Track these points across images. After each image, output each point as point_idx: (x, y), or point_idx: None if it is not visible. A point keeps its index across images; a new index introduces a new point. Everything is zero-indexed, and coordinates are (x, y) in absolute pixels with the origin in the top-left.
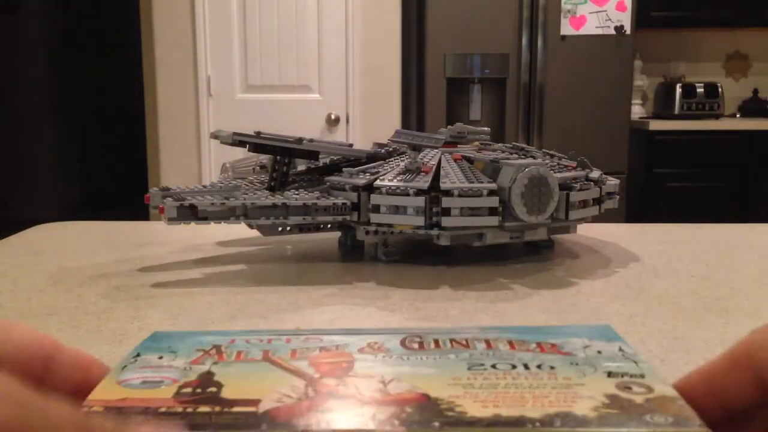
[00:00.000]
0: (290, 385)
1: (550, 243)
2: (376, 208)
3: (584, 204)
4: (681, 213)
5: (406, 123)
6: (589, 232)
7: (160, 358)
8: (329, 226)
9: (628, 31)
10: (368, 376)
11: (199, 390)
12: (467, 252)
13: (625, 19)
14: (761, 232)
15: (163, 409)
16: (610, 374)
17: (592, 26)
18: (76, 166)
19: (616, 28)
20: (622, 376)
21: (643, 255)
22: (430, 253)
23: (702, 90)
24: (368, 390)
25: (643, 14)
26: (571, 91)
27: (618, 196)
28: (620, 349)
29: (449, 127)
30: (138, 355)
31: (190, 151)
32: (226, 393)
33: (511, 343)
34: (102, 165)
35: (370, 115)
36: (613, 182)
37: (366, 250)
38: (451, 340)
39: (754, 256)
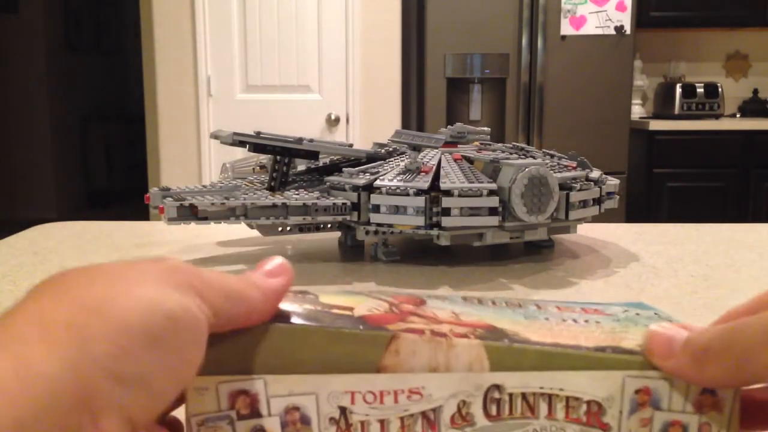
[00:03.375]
0: (377, 303)
1: (550, 243)
2: (376, 208)
3: (584, 204)
4: (681, 213)
5: (406, 123)
6: (589, 232)
7: None
8: (329, 226)
9: (628, 31)
10: (440, 308)
11: (300, 294)
12: (467, 252)
13: (625, 19)
14: (761, 232)
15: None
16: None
17: (592, 26)
18: (76, 166)
19: (616, 28)
20: None
21: (643, 255)
22: (430, 253)
23: (702, 90)
24: (443, 314)
25: (643, 14)
26: (571, 91)
27: (618, 196)
28: (655, 314)
29: (449, 127)
30: None
31: (190, 151)
32: (324, 300)
33: (558, 307)
34: (102, 165)
35: (370, 115)
36: (613, 182)
37: (366, 250)
38: (506, 302)
39: (754, 256)
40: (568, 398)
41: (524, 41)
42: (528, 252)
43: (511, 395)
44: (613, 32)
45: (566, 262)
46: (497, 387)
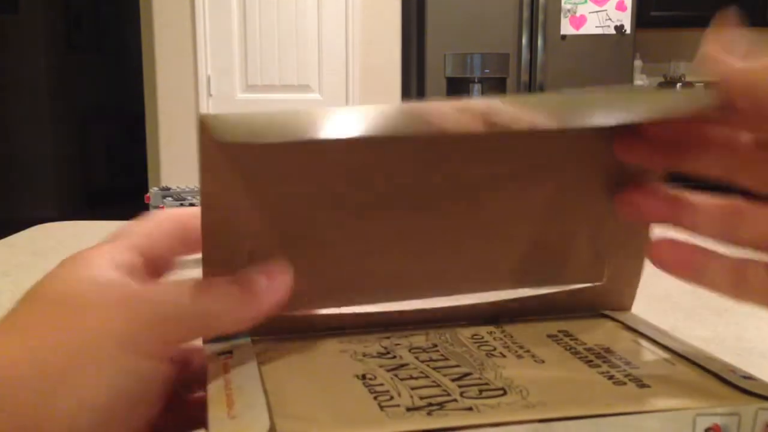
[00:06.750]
0: None
1: None
2: None
3: None
4: None
5: None
6: None
7: None
8: None
9: (628, 31)
10: None
11: None
12: None
13: (625, 19)
14: None
15: None
16: None
17: (592, 26)
18: (76, 166)
19: (616, 27)
20: None
21: None
22: None
23: None
24: None
25: (643, 14)
26: None
27: None
28: None
29: None
30: None
31: (190, 151)
32: None
33: None
34: (102, 164)
35: None
36: None
37: None
38: None
39: (753, 255)
40: None
41: (524, 41)
42: None
43: None
44: (613, 32)
45: None
46: None
